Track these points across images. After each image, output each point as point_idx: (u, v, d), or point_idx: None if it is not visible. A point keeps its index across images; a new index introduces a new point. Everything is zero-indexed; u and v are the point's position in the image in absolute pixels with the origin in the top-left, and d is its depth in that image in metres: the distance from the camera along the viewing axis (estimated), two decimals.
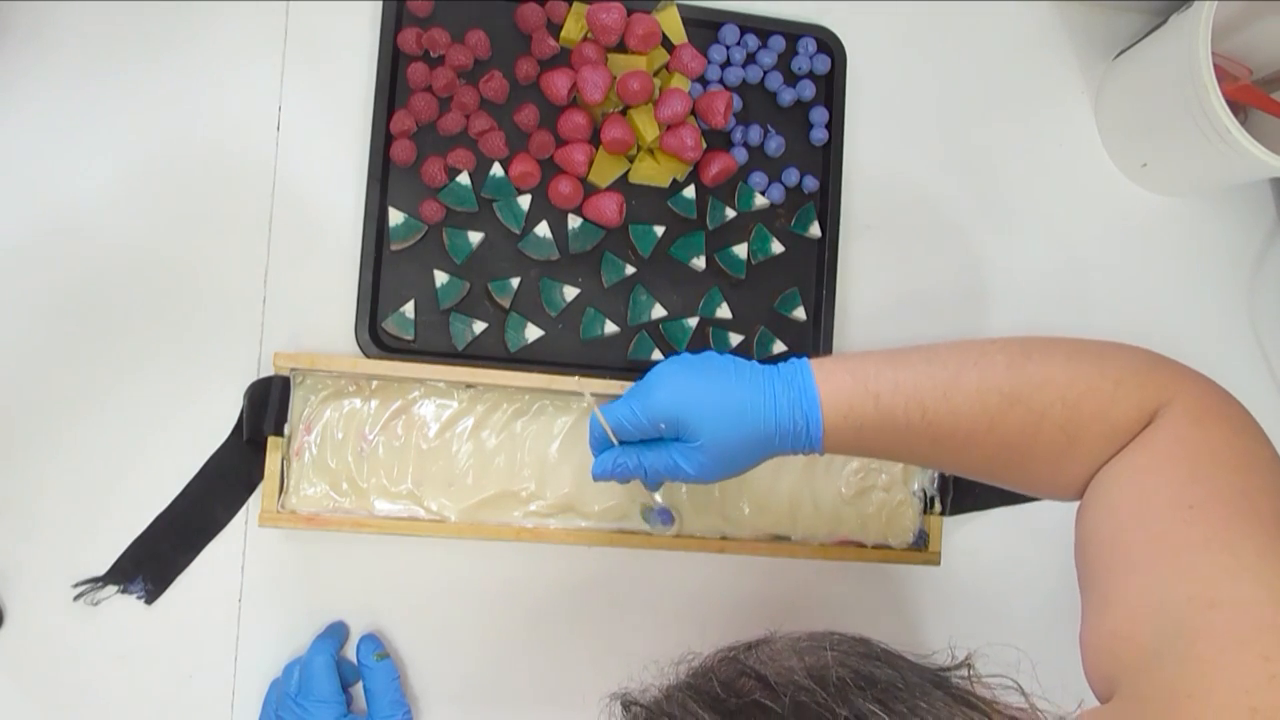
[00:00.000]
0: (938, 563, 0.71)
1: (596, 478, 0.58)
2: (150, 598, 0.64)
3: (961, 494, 0.73)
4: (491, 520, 0.66)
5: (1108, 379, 0.50)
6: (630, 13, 0.70)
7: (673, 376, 0.55)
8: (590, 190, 0.71)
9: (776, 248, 0.73)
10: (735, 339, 0.72)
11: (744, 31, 0.73)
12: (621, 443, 0.57)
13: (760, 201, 0.73)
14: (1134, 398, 0.49)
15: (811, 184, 0.74)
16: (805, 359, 0.54)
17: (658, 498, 0.65)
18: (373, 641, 0.65)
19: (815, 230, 0.73)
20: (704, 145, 0.71)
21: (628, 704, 0.42)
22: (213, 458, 0.65)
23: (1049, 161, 0.80)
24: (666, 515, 0.67)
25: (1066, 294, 0.79)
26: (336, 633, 0.66)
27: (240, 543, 0.66)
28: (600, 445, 0.58)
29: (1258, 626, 0.39)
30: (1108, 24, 0.81)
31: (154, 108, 0.67)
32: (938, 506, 0.71)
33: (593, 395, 0.60)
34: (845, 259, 0.74)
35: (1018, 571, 0.76)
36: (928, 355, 0.53)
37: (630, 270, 0.71)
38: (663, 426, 0.54)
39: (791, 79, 0.74)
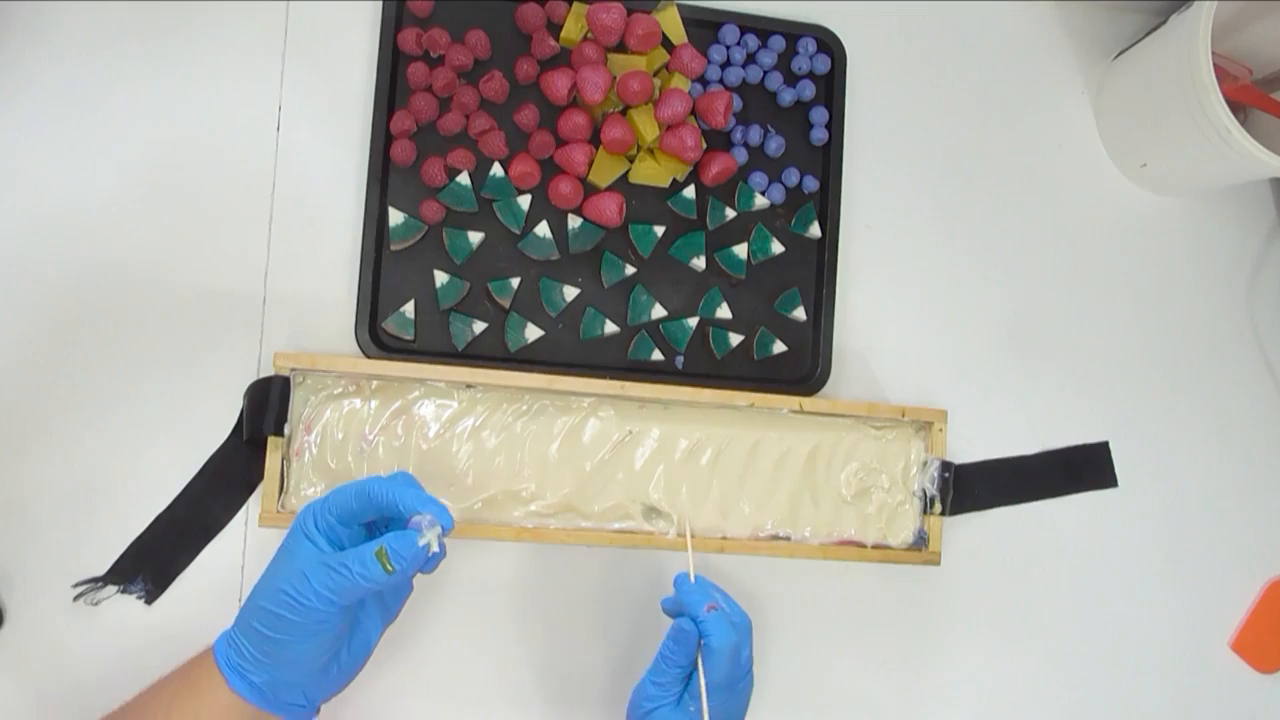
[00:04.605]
0: (938, 563, 0.71)
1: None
2: (150, 598, 0.64)
3: (961, 494, 0.73)
4: (491, 520, 0.66)
5: None
6: (630, 13, 0.70)
7: None
8: (590, 190, 0.71)
9: (776, 248, 0.73)
10: (735, 339, 0.72)
11: (744, 31, 0.73)
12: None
13: (760, 201, 0.73)
14: None
15: (811, 184, 0.74)
16: None
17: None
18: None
19: (815, 230, 0.74)
20: (704, 145, 0.71)
21: None
22: (213, 458, 0.65)
23: (1048, 161, 0.80)
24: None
25: (1065, 293, 0.79)
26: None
27: (240, 543, 0.66)
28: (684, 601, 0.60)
29: None
30: (1108, 24, 0.81)
31: (153, 107, 0.67)
32: (938, 506, 0.71)
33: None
34: (845, 259, 0.75)
35: (1018, 571, 0.76)
36: None
37: (630, 270, 0.71)
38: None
39: (791, 79, 0.75)
